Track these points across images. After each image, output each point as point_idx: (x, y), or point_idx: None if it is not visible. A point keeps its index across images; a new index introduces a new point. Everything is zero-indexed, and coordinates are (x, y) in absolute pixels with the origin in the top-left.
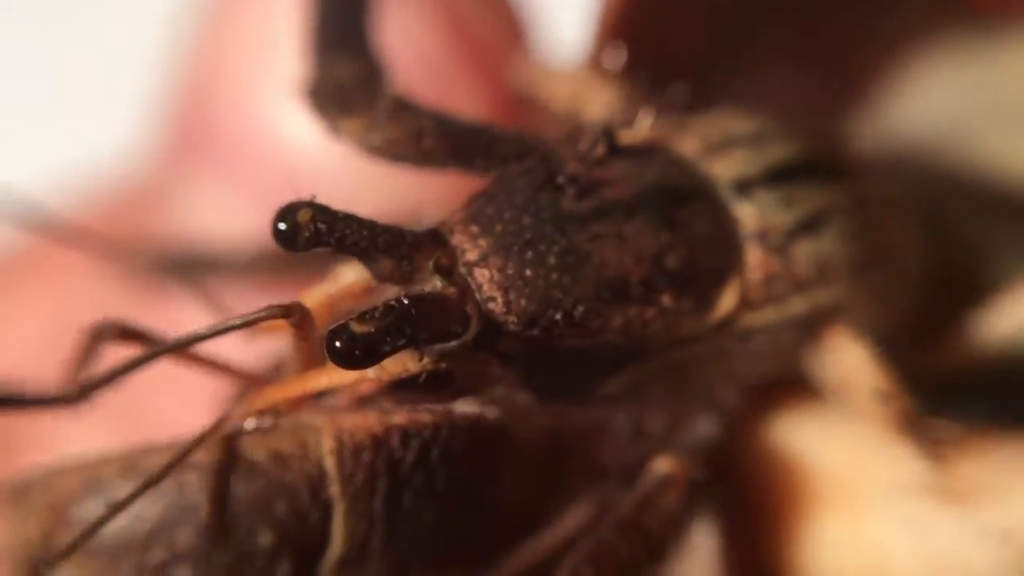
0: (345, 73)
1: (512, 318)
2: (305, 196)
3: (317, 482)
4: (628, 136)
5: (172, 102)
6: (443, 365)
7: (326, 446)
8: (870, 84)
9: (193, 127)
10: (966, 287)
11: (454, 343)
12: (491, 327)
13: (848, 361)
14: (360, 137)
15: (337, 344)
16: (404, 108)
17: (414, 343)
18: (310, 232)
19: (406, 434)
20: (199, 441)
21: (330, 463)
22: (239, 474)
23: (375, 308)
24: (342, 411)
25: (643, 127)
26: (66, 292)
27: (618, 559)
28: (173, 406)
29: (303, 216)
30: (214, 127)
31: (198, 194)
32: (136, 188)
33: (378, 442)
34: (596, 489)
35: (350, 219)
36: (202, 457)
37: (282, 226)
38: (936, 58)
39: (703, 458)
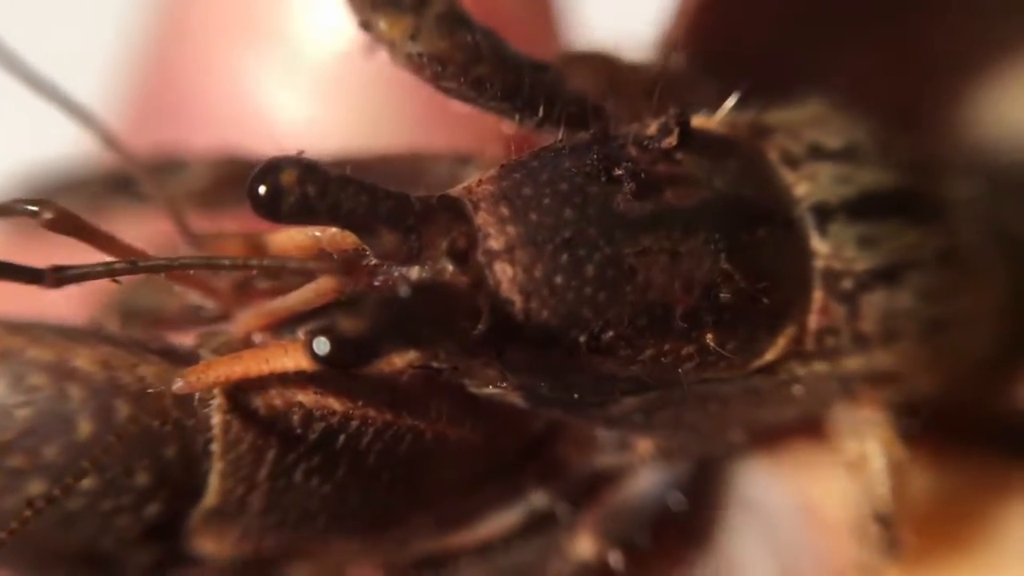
0: None
1: (529, 330)
2: (290, 153)
3: (204, 435)
4: (703, 124)
5: (137, 78)
6: (435, 364)
7: (218, 405)
8: (958, 85)
9: (162, 95)
10: None
11: (456, 341)
12: (502, 331)
13: (870, 452)
14: (397, 44)
15: (322, 348)
16: (462, 21)
17: (413, 343)
18: (296, 197)
19: (309, 417)
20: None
21: (217, 421)
22: (134, 409)
23: (366, 300)
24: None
25: (721, 117)
26: None
27: None
28: None
29: (287, 178)
30: (184, 92)
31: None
32: None
33: (275, 417)
34: (528, 493)
35: (346, 182)
36: (91, 370)
37: (262, 189)
38: None
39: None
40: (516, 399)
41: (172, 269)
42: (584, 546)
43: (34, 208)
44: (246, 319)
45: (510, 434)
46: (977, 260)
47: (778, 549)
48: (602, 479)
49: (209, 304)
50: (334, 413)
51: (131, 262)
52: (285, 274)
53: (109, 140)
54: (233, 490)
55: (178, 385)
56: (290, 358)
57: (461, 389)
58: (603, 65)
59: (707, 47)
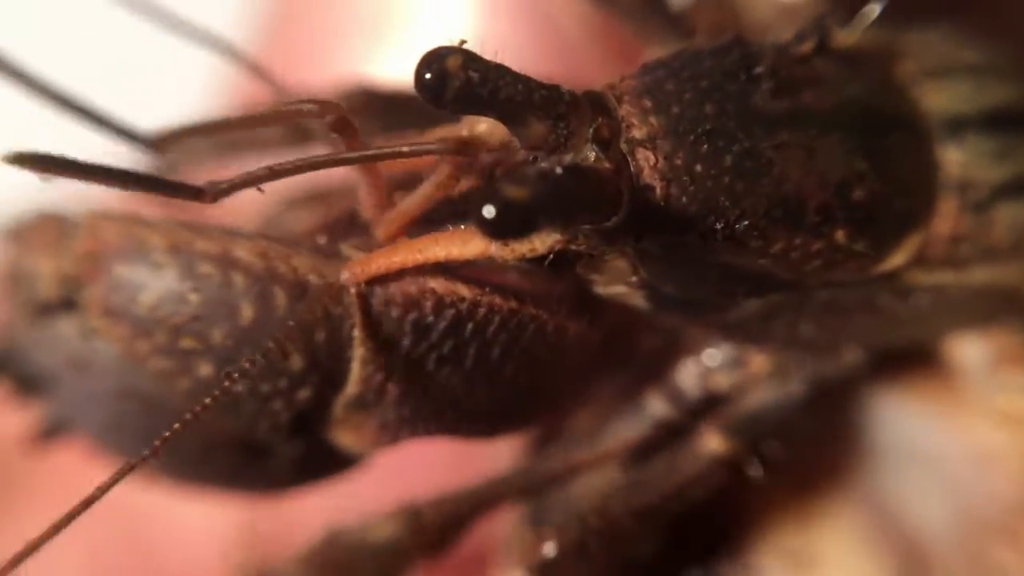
0: None
1: (668, 215)
2: (453, 42)
3: (349, 324)
4: (840, 38)
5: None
6: (574, 247)
7: (358, 292)
8: None
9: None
10: None
11: (597, 225)
12: (641, 217)
13: (1021, 407)
14: None
15: (490, 210)
16: None
17: (566, 218)
18: (460, 81)
19: (441, 302)
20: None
21: (357, 308)
22: (290, 295)
23: (525, 172)
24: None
25: (858, 32)
26: None
27: (628, 535)
28: None
29: (453, 63)
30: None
31: None
32: None
33: (410, 304)
34: (649, 407)
35: (504, 70)
36: (251, 260)
37: (428, 75)
38: None
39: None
40: (639, 300)
41: (310, 167)
42: (713, 442)
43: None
44: (386, 224)
45: (629, 340)
46: None
47: (953, 491)
48: (718, 399)
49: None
50: (463, 300)
51: (270, 168)
52: (409, 157)
53: (257, 69)
54: (372, 376)
55: (345, 276)
56: (441, 247)
57: (586, 291)
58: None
59: None
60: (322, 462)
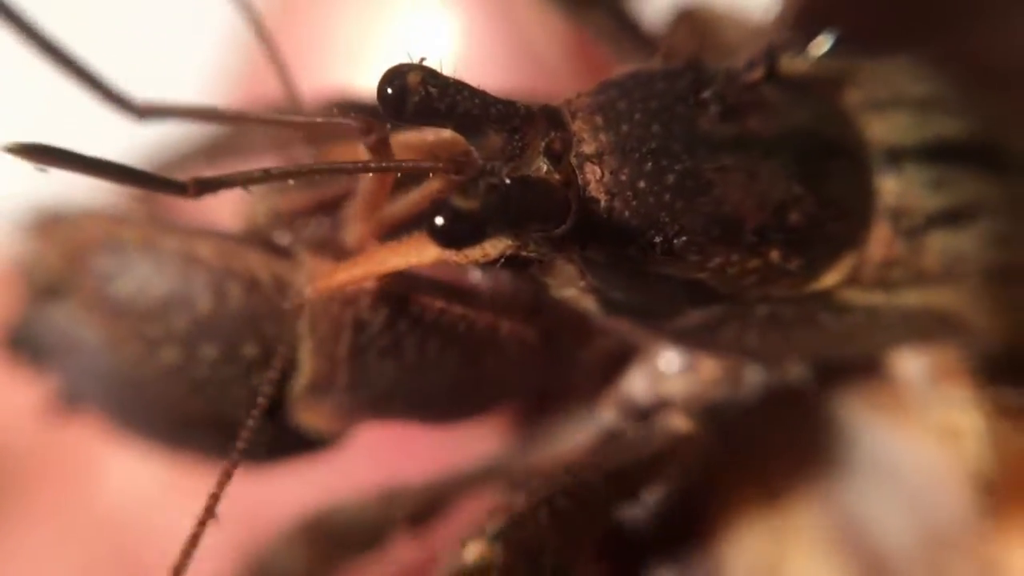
0: None
1: (611, 226)
2: (414, 59)
3: (295, 317)
4: (791, 66)
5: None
6: (524, 253)
7: (305, 289)
8: None
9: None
10: None
11: (545, 233)
12: (586, 227)
13: (959, 422)
14: None
15: (440, 220)
16: None
17: (515, 227)
18: (420, 96)
19: (377, 299)
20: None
21: (305, 304)
22: (243, 287)
23: (476, 185)
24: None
25: (809, 61)
26: None
27: (596, 497)
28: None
29: (413, 78)
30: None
31: None
32: None
33: (348, 300)
34: (601, 411)
35: (462, 85)
36: (210, 257)
37: (389, 90)
38: None
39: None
40: (590, 304)
41: (301, 175)
42: (678, 421)
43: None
44: (359, 227)
45: (577, 343)
46: None
47: (911, 505)
48: (670, 403)
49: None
50: (402, 298)
51: (264, 170)
52: (403, 172)
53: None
54: (320, 367)
55: (309, 291)
56: (399, 256)
57: (540, 293)
58: (705, 23)
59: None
60: (292, 441)
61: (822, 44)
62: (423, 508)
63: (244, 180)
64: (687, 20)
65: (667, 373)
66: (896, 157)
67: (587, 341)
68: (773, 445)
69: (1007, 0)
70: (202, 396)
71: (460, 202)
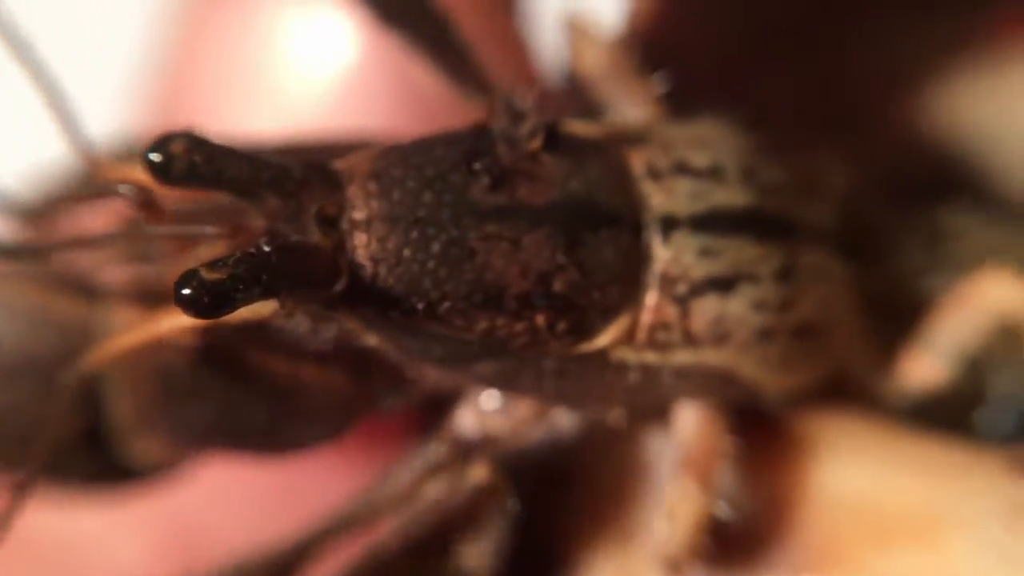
0: None
1: (376, 292)
2: (183, 128)
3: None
4: (579, 129)
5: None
6: (294, 314)
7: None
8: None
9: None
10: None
11: (317, 295)
12: (355, 292)
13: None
14: None
15: (185, 291)
16: None
17: (271, 293)
18: (184, 164)
19: (181, 348)
20: None
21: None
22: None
23: (231, 255)
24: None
25: (601, 124)
26: None
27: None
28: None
29: (177, 147)
30: None
31: None
32: None
33: (149, 347)
34: (429, 450)
35: (230, 152)
36: (27, 300)
37: (155, 157)
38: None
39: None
40: (392, 352)
41: (54, 249)
42: (478, 472)
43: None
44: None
45: (391, 382)
46: (819, 278)
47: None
48: (493, 441)
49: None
50: (204, 347)
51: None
52: (181, 238)
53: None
54: (130, 410)
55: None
56: (165, 323)
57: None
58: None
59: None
60: (120, 472)
61: (656, 86)
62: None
63: (57, 247)
64: (569, 31)
65: (489, 410)
66: (669, 226)
67: (402, 381)
68: (603, 483)
69: (869, 30)
70: (16, 435)
71: (207, 272)
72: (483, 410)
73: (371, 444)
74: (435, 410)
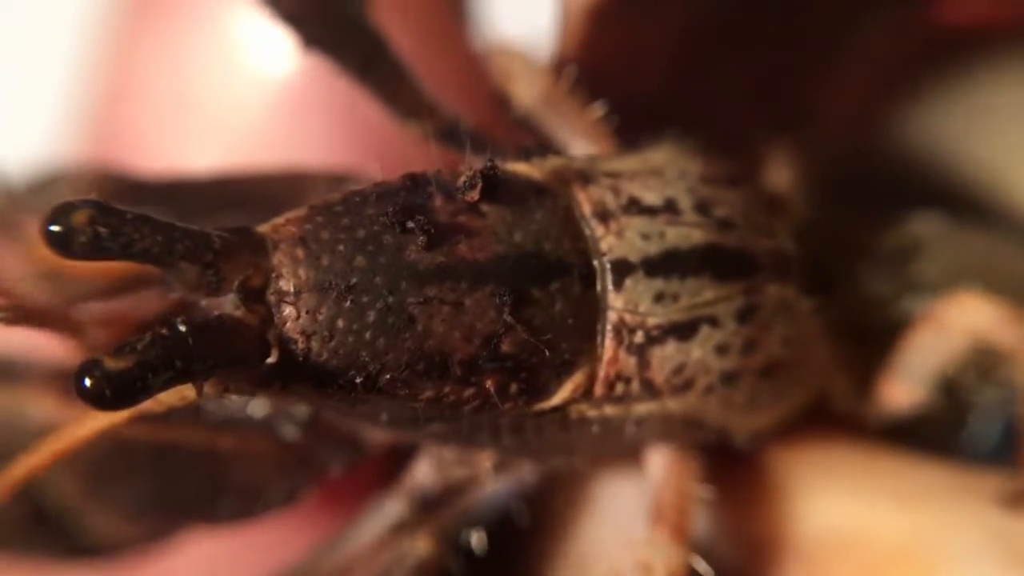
0: None
1: (310, 367)
2: (87, 196)
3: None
4: (526, 170)
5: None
6: (230, 393)
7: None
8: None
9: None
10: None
11: (244, 374)
12: (287, 367)
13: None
14: None
15: (86, 383)
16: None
17: (189, 377)
18: (87, 236)
19: (111, 437)
20: None
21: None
22: None
23: (139, 338)
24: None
25: (549, 161)
26: None
27: None
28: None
29: (79, 218)
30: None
31: None
32: None
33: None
34: (388, 506)
35: (140, 221)
36: None
37: (55, 228)
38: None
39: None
40: (336, 418)
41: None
42: (421, 545)
43: None
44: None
45: (337, 447)
46: (784, 313)
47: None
48: (453, 491)
49: None
50: (131, 437)
51: None
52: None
53: None
54: (67, 486)
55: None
56: (91, 423)
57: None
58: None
59: (599, 73)
60: (87, 549)
61: (596, 112)
62: None
63: None
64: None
65: (448, 460)
66: (622, 271)
67: (352, 440)
68: (557, 523)
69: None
70: None
71: (111, 361)
72: (443, 460)
73: (333, 495)
74: (398, 457)
